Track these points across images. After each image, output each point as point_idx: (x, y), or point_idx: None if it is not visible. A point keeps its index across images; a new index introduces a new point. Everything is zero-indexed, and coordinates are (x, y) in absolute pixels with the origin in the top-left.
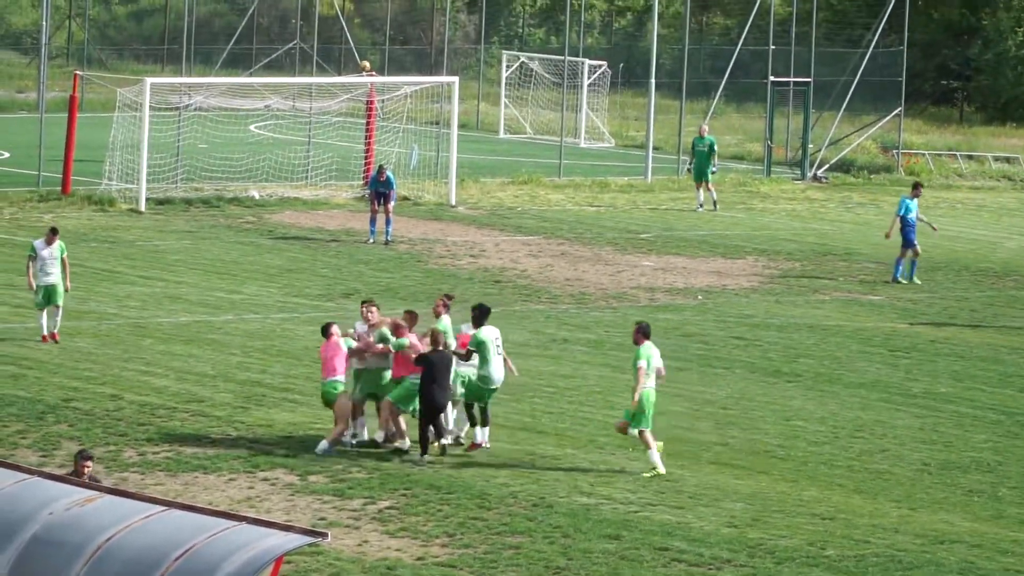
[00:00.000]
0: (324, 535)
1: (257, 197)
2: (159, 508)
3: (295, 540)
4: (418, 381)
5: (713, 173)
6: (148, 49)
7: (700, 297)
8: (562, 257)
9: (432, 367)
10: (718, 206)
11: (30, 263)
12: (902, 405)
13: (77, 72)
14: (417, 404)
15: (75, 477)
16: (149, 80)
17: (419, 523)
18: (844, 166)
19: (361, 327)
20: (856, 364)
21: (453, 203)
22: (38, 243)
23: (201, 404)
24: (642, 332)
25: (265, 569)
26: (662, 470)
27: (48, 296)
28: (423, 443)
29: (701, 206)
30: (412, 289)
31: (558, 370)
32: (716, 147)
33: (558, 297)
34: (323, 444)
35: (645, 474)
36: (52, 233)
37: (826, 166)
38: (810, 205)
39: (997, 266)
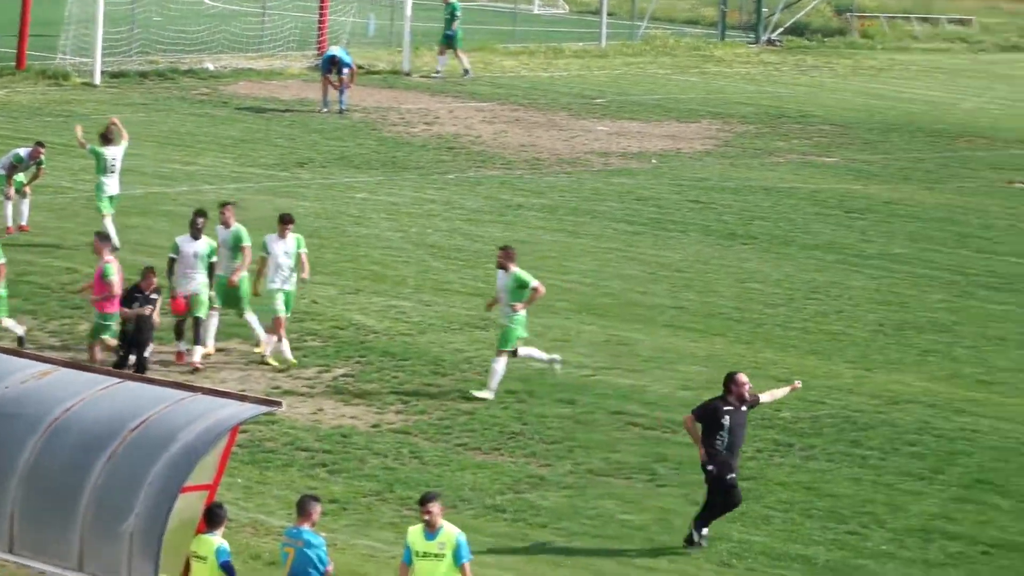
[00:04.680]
0: (278, 404)
1: (212, 69)
2: (114, 380)
3: (250, 409)
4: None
5: (447, 37)
6: None
7: (655, 161)
8: (516, 123)
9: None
10: (441, 73)
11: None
12: (857, 266)
13: None
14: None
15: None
16: None
17: (374, 390)
18: (798, 29)
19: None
20: (811, 226)
21: (407, 71)
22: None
23: (157, 277)
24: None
25: (221, 439)
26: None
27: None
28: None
29: (438, 72)
30: (367, 157)
31: (512, 236)
32: (458, 13)
33: (512, 163)
34: None
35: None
36: None
37: (780, 29)
38: (764, 68)
39: (951, 127)
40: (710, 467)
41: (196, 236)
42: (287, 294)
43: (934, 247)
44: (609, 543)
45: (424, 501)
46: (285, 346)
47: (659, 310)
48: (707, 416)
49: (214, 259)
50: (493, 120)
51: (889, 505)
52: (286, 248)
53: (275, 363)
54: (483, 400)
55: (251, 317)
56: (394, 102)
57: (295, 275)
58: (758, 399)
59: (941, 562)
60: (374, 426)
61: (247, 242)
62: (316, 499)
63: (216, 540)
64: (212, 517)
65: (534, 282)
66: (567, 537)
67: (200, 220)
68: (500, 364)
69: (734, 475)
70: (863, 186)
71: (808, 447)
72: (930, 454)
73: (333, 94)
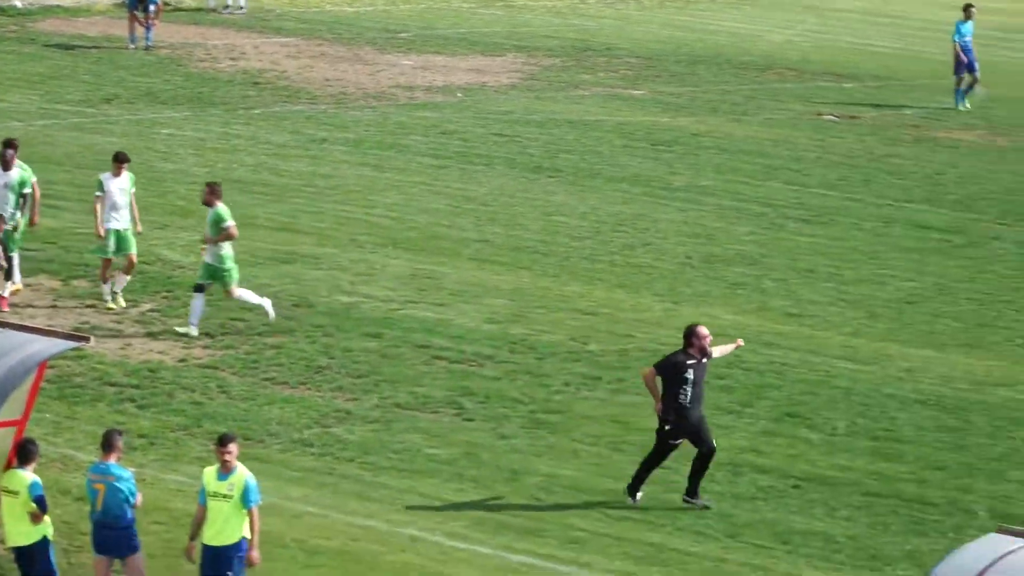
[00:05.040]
0: (86, 339)
1: (20, 6)
2: None
3: (58, 345)
4: None
5: None
6: None
7: (460, 95)
8: (321, 58)
9: None
10: (244, 9)
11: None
12: (664, 199)
13: None
14: None
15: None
16: None
17: (181, 325)
18: None
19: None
20: (618, 159)
21: (213, 6)
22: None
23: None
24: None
25: (29, 374)
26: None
27: None
28: None
29: (241, 8)
30: (173, 93)
31: (317, 170)
32: None
33: (317, 98)
34: None
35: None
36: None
37: None
38: (570, 1)
39: (759, 59)
40: (668, 419)
41: (7, 167)
42: (122, 233)
43: (742, 179)
44: (416, 477)
45: (223, 442)
46: (106, 288)
47: (465, 243)
48: (670, 370)
49: (27, 190)
50: (298, 55)
51: None
52: (121, 186)
53: (122, 304)
54: (266, 321)
55: (15, 256)
56: (200, 38)
57: (130, 214)
58: (712, 353)
59: (751, 495)
60: (181, 361)
61: (33, 177)
62: (120, 433)
63: (28, 475)
64: (24, 452)
65: (228, 221)
66: (374, 471)
67: (9, 152)
68: (242, 293)
69: (679, 441)
70: (670, 119)
71: (617, 380)
72: (739, 387)
73: (140, 30)
